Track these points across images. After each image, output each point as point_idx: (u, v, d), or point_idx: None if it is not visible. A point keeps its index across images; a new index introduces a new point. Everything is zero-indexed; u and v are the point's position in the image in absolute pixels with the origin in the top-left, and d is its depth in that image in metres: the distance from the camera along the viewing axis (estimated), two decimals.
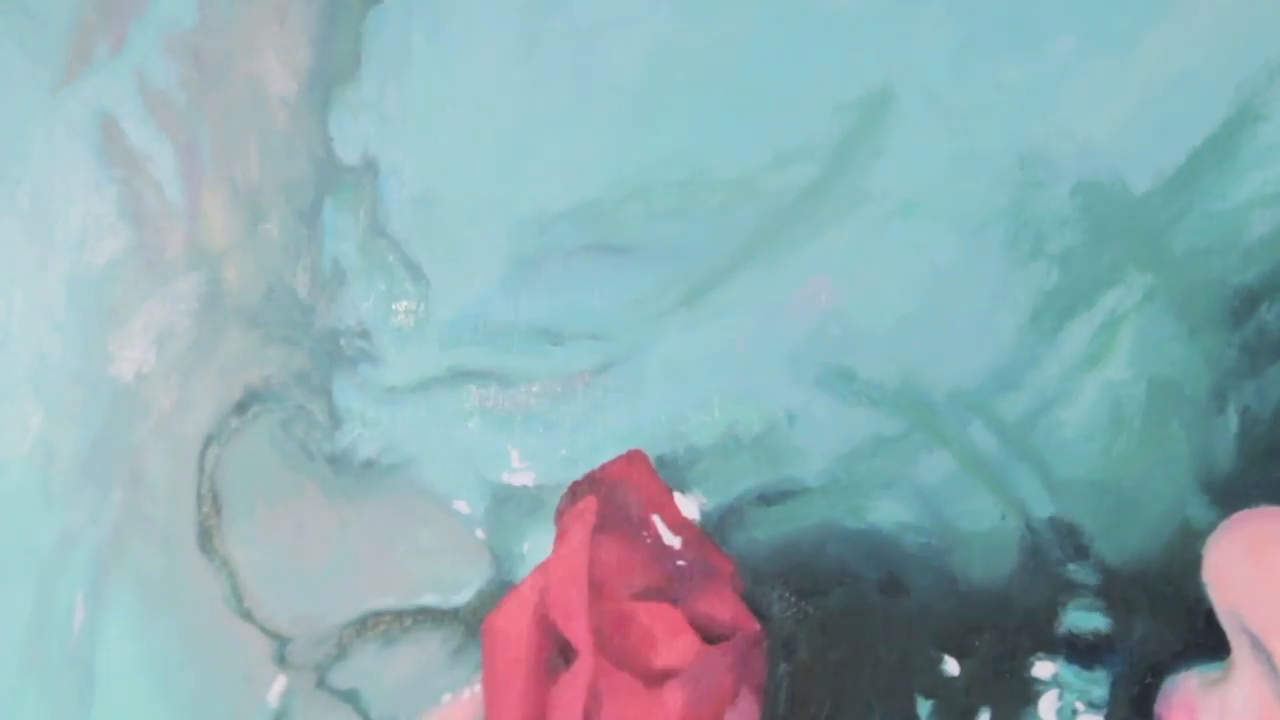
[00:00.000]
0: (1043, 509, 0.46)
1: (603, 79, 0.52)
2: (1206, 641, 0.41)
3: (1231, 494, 0.43)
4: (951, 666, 0.47)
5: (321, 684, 0.60)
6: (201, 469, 0.64)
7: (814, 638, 0.49)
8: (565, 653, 0.50)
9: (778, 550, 0.50)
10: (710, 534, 0.51)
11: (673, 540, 0.51)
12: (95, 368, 0.67)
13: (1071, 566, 0.45)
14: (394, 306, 0.58)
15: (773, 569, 0.50)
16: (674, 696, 0.48)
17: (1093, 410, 0.45)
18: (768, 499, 0.50)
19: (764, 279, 0.50)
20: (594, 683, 0.48)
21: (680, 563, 0.50)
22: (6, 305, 0.70)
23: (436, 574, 0.58)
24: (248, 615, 0.63)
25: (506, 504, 0.56)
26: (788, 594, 0.50)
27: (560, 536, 0.52)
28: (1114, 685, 0.44)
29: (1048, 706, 0.46)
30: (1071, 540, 0.45)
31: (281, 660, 0.62)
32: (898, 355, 0.48)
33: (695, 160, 0.51)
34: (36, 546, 0.69)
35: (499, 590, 0.56)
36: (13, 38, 0.69)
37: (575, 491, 0.53)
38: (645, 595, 0.49)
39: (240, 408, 0.63)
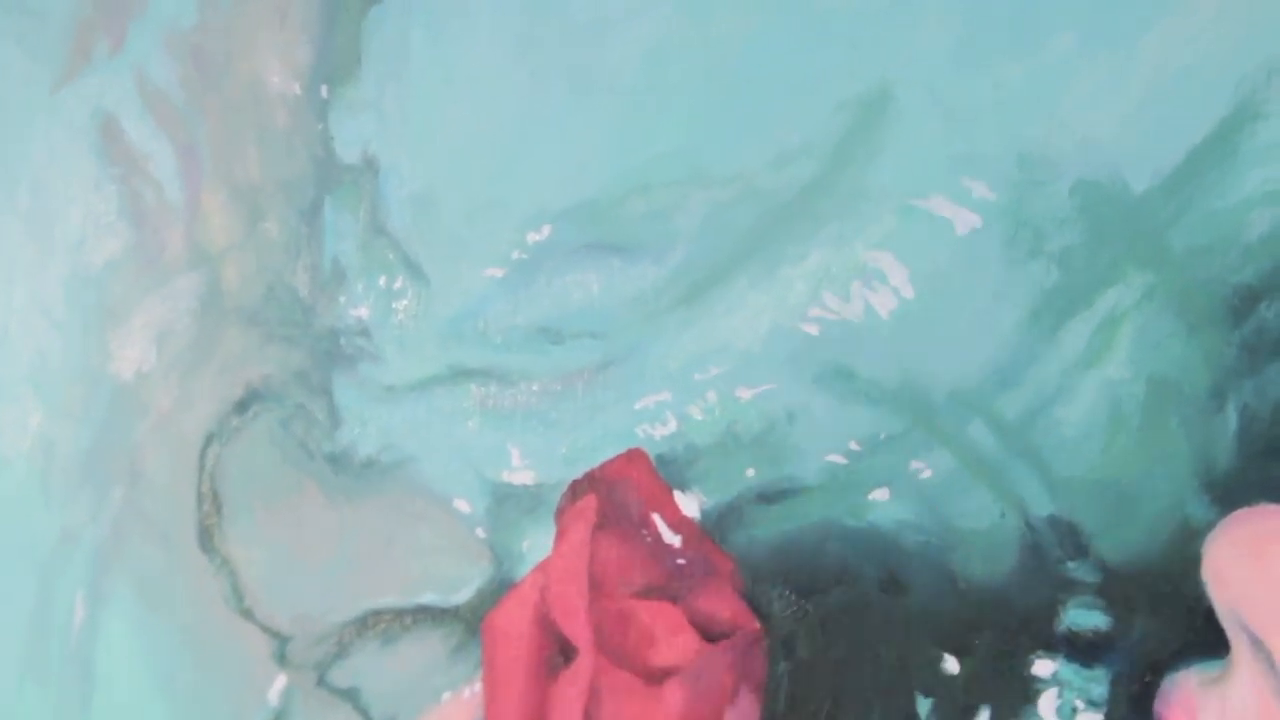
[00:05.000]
0: (1042, 507, 0.46)
1: (601, 78, 0.52)
2: (1206, 639, 0.41)
3: (1231, 492, 0.43)
4: (951, 664, 0.47)
5: (322, 682, 0.60)
6: (202, 467, 0.64)
7: (814, 636, 0.49)
8: (565, 651, 0.50)
9: (777, 549, 0.50)
10: (710, 532, 0.51)
11: (673, 538, 0.51)
12: (95, 366, 0.67)
13: (1071, 565, 0.45)
14: (394, 305, 0.58)
15: (772, 567, 0.50)
16: (674, 694, 0.48)
17: (1092, 409, 0.45)
18: (767, 497, 0.50)
19: (763, 277, 0.50)
20: (594, 681, 0.48)
21: (680, 561, 0.50)
22: (6, 304, 0.70)
23: (436, 572, 0.58)
24: (248, 614, 0.63)
25: (506, 502, 0.56)
26: (787, 592, 0.50)
27: (560, 535, 0.52)
28: (1114, 683, 0.44)
29: (1047, 704, 0.46)
30: (1071, 538, 0.45)
31: (282, 659, 0.61)
32: (897, 354, 0.48)
33: (694, 159, 0.51)
34: (36, 545, 0.69)
35: (499, 589, 0.56)
36: (13, 37, 0.69)
37: (575, 490, 0.53)
38: (645, 593, 0.49)
39: (240, 406, 0.63)
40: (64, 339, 0.68)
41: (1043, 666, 0.46)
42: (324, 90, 0.60)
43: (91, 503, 0.67)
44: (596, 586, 0.49)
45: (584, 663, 0.48)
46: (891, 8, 0.48)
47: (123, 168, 0.66)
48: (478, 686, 0.56)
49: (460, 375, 0.57)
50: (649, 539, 0.51)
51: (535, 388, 0.55)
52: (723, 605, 0.49)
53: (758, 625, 0.49)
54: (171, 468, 0.65)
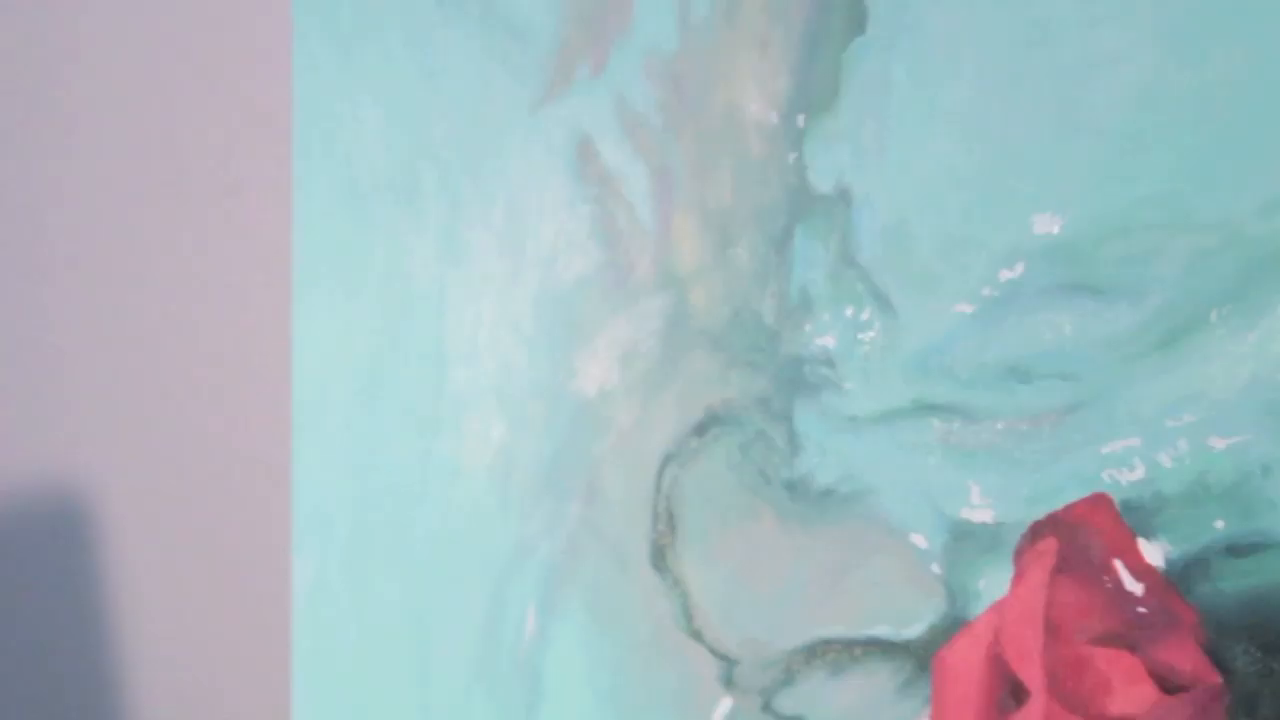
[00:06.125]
0: None
1: (1087, 118, 0.57)
2: None
3: None
4: None
5: (767, 708, 0.70)
6: (658, 487, 0.74)
7: (1279, 695, 0.54)
8: (1016, 693, 0.55)
9: (1245, 604, 0.54)
10: (1174, 582, 0.56)
11: (1134, 586, 0.56)
12: (559, 382, 0.79)
13: None
14: (859, 336, 0.66)
15: (1238, 622, 0.54)
16: None
17: None
18: (1237, 550, 0.55)
19: (1243, 326, 0.54)
20: None
21: (1141, 610, 0.55)
22: (476, 317, 0.83)
23: (888, 605, 0.65)
24: (697, 635, 0.72)
25: (964, 540, 0.62)
26: (1253, 649, 0.54)
27: (1018, 576, 0.57)
28: None
29: None
30: None
31: (728, 682, 0.71)
32: None
33: (1178, 202, 0.55)
34: (493, 554, 0.81)
35: (952, 626, 0.62)
36: (496, 56, 0.82)
37: (1035, 531, 0.58)
38: (1103, 640, 0.54)
39: (700, 429, 0.73)
40: (530, 353, 0.80)
41: None
42: (800, 120, 0.68)
43: (548, 516, 0.79)
44: (1053, 630, 0.54)
45: (1035, 706, 0.52)
46: None
47: (596, 188, 0.77)
48: None
49: (923, 409, 0.63)
50: (1109, 585, 0.56)
51: (1000, 426, 0.61)
52: (1183, 657, 0.53)
53: (1219, 680, 0.53)
54: (628, 486, 0.76)
